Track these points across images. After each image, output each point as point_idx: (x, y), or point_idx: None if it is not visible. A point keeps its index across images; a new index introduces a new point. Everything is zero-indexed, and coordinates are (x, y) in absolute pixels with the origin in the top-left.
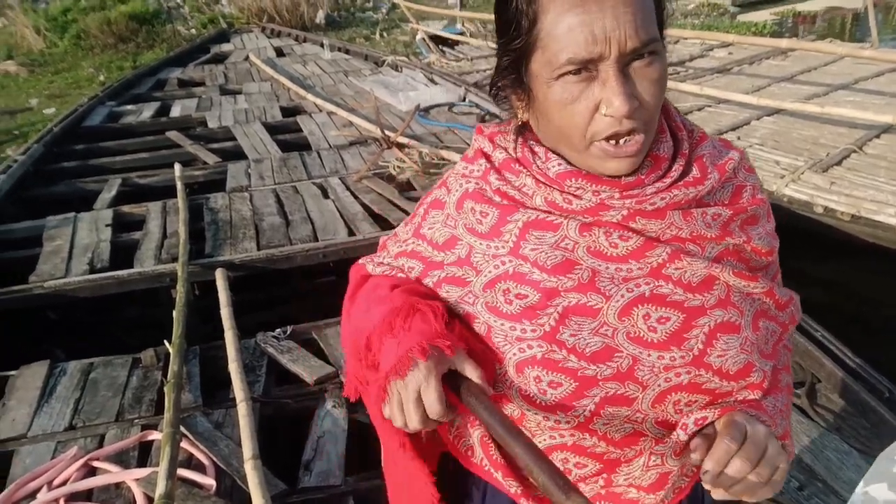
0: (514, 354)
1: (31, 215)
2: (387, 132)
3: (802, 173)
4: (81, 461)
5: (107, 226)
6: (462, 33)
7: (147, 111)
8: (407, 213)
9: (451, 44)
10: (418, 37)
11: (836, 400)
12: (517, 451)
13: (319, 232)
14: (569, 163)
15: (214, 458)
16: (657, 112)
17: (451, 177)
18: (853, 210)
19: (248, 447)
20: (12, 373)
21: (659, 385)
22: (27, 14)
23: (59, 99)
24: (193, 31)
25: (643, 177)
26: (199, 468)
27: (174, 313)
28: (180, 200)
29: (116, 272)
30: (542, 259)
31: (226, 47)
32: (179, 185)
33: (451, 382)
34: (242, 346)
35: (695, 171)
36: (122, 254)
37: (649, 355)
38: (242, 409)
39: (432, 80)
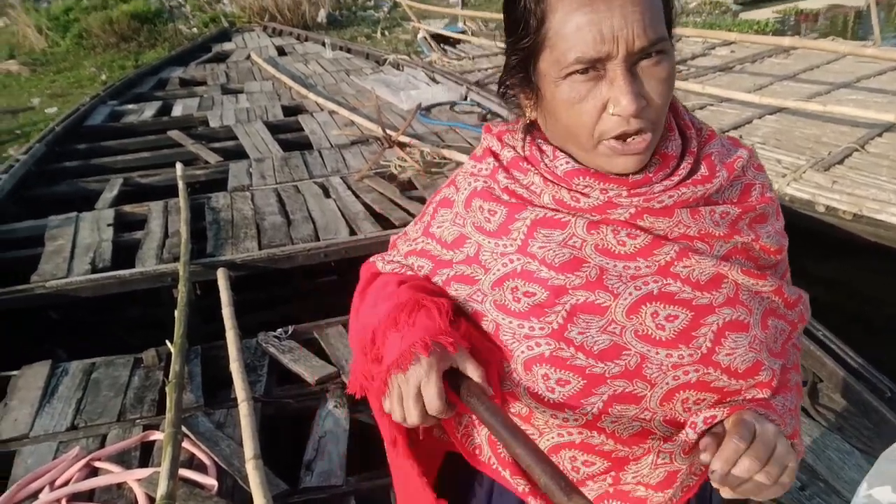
0: (522, 352)
1: (32, 215)
2: (388, 131)
3: (804, 172)
4: (83, 461)
5: (108, 225)
6: (464, 32)
7: (149, 110)
8: (409, 213)
9: (453, 42)
10: (420, 35)
11: (838, 399)
12: (518, 452)
13: (321, 231)
14: (577, 161)
15: (216, 459)
16: (665, 111)
17: (460, 175)
18: (855, 209)
19: (249, 447)
20: (14, 373)
21: (667, 383)
22: (29, 13)
23: (61, 98)
24: (195, 29)
25: (651, 175)
26: (201, 468)
27: (176, 313)
28: (182, 200)
29: (118, 272)
30: (549, 257)
31: (227, 46)
32: (181, 185)
33: (452, 381)
34: (244, 346)
35: (703, 170)
36: (124, 253)
37: (657, 353)
38: (244, 409)
39: (434, 79)
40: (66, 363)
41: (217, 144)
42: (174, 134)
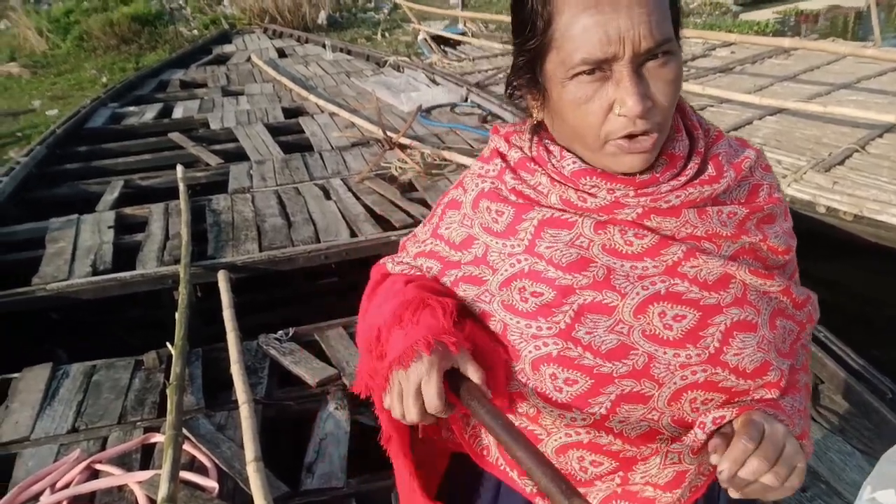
0: (530, 352)
1: (33, 217)
2: (389, 133)
3: (805, 173)
4: (84, 464)
5: (109, 227)
6: (464, 33)
7: (149, 113)
8: (409, 214)
9: (453, 44)
10: (420, 37)
11: (839, 401)
12: (518, 455)
13: (321, 233)
14: (584, 161)
15: (216, 461)
16: (671, 112)
17: (468, 177)
18: (856, 210)
19: (250, 449)
20: (15, 375)
21: (675, 383)
22: (30, 16)
23: (62, 101)
24: (195, 32)
25: (658, 175)
26: (202, 470)
27: (176, 315)
28: (182, 202)
29: (119, 274)
30: (557, 257)
31: (228, 48)
32: (182, 187)
33: (453, 381)
34: (244, 348)
35: (710, 170)
36: (125, 255)
37: (665, 353)
38: (244, 412)
39: (434, 81)
40: (66, 365)
41: (218, 146)
42: (175, 136)
